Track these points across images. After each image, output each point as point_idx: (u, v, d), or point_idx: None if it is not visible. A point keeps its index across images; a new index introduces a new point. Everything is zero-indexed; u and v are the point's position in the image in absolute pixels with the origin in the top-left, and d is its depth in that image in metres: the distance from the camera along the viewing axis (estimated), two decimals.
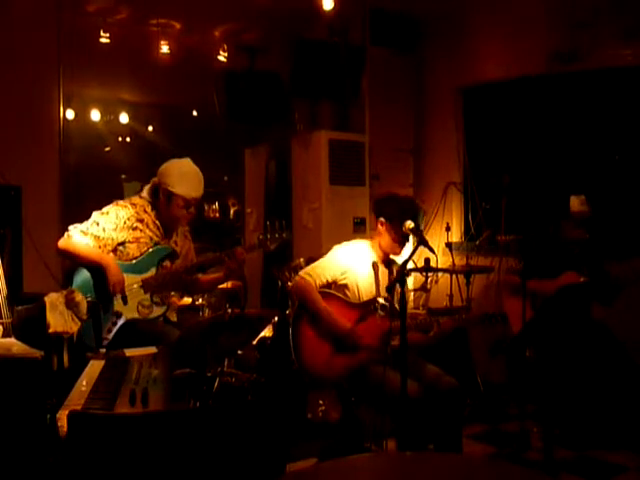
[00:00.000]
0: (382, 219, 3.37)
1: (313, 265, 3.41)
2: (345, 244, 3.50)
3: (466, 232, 5.75)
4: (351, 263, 3.37)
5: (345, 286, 3.35)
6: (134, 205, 3.48)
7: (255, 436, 1.93)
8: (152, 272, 3.41)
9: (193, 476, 1.82)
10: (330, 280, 3.34)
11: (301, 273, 3.37)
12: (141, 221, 3.46)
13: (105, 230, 3.37)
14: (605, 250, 4.40)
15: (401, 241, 3.36)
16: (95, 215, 3.41)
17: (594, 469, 3.67)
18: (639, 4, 4.69)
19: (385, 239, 3.38)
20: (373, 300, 3.33)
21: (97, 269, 3.30)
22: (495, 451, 3.94)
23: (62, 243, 3.36)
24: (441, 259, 5.24)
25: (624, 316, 4.16)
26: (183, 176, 3.43)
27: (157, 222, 3.50)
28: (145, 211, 3.48)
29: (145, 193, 3.54)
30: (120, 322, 3.17)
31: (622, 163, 4.95)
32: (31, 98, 4.45)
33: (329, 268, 3.35)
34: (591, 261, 4.22)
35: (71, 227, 3.39)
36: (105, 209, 3.44)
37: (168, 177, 3.43)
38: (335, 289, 3.35)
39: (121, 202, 3.49)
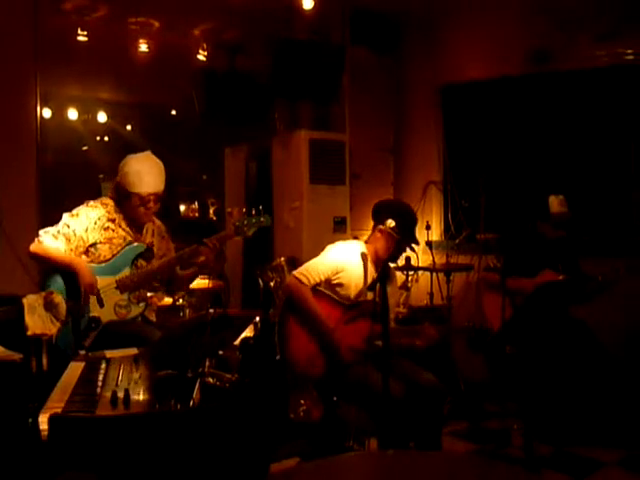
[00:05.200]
0: (383, 227, 3.33)
1: (308, 264, 3.37)
2: (340, 243, 3.49)
3: (446, 231, 5.78)
4: (346, 262, 3.35)
5: (339, 284, 3.32)
6: (105, 205, 3.42)
7: (238, 437, 1.92)
8: (126, 272, 3.34)
9: (176, 478, 1.81)
10: (324, 279, 3.31)
11: (295, 273, 3.33)
12: (113, 221, 3.39)
13: (75, 232, 3.30)
14: (582, 248, 4.45)
15: (401, 253, 3.40)
16: (65, 217, 3.34)
17: (575, 465, 3.71)
18: (614, 6, 4.77)
19: (384, 247, 3.36)
20: (363, 302, 3.31)
21: (70, 274, 3.22)
22: (476, 448, 3.97)
23: (33, 247, 3.29)
24: (421, 257, 5.27)
25: (603, 313, 4.22)
26: (137, 173, 3.33)
27: (128, 221, 3.43)
28: (116, 211, 3.42)
29: (111, 192, 3.47)
30: (98, 328, 3.09)
31: (599, 162, 5.01)
32: (7, 97, 4.38)
33: (324, 267, 3.32)
34: (568, 259, 4.27)
35: (41, 231, 3.32)
36: (75, 210, 3.37)
37: (124, 176, 3.35)
38: (326, 287, 3.32)
39: (92, 202, 3.42)
